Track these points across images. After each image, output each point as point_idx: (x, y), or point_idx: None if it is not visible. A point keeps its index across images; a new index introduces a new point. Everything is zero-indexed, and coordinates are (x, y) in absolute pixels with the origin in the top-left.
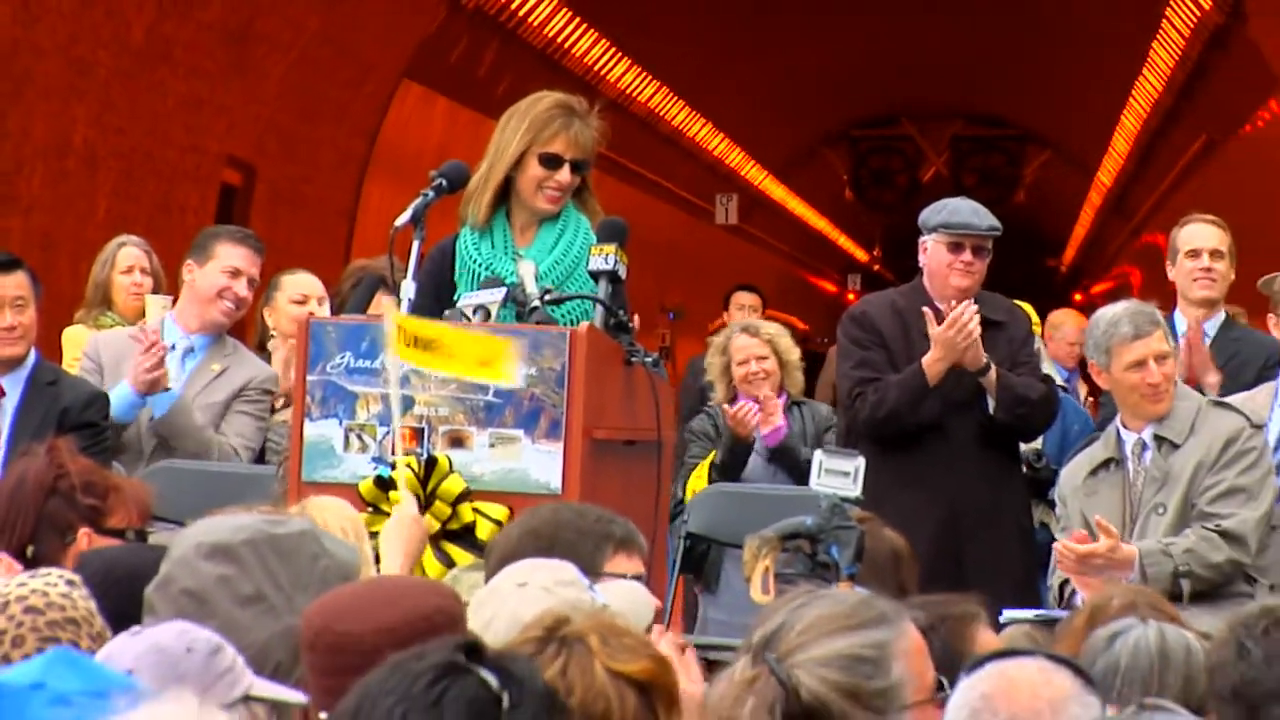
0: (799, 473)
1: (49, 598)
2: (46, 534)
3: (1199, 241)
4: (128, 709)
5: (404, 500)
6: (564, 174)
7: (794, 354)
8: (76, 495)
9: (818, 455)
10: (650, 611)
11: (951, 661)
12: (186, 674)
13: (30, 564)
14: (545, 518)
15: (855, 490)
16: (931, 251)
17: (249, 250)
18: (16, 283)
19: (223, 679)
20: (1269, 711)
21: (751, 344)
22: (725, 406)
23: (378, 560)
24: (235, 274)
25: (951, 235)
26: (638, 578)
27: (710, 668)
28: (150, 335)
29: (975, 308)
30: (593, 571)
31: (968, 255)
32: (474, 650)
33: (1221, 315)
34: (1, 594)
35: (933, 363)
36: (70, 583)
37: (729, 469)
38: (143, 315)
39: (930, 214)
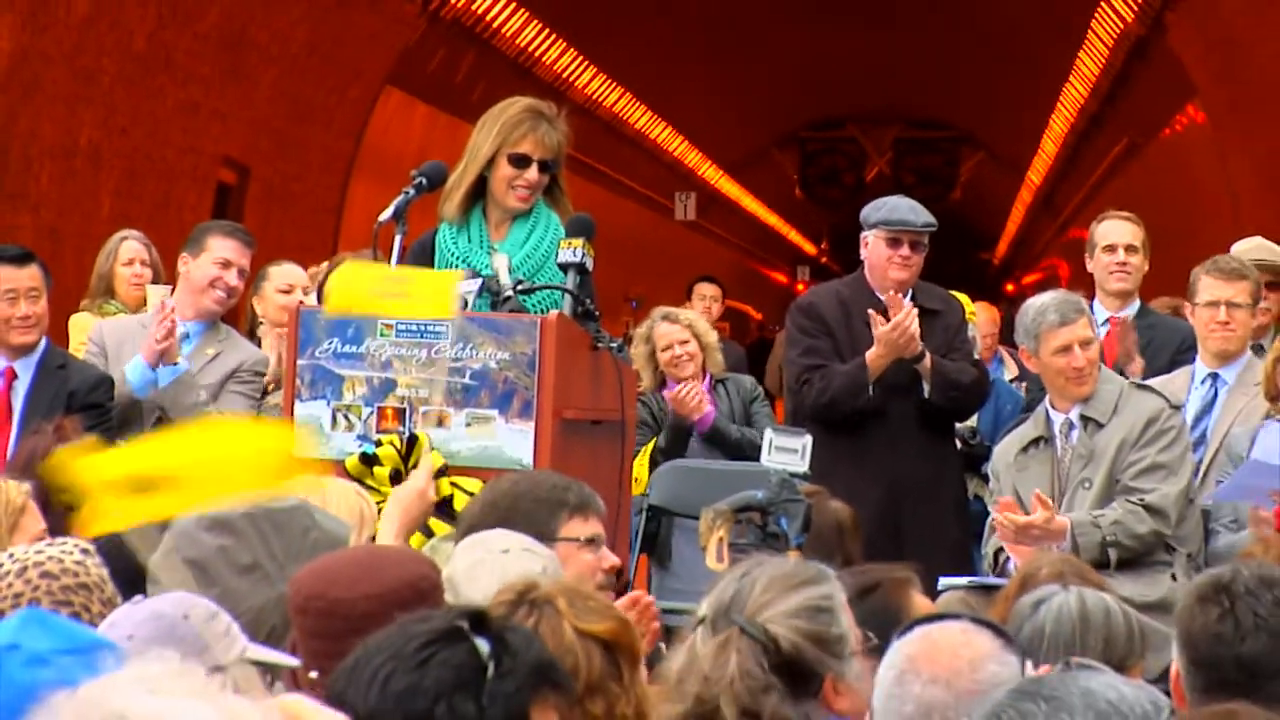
0: (731, 450)
1: (63, 564)
2: (53, 506)
3: (1114, 237)
4: (114, 668)
5: (416, 475)
6: (532, 173)
7: (712, 336)
8: None
9: (769, 434)
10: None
11: (888, 623)
12: (183, 639)
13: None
14: (504, 489)
15: (803, 466)
16: (872, 246)
17: (239, 243)
18: (31, 275)
19: (217, 644)
20: (1273, 685)
21: (673, 330)
22: (666, 393)
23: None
24: (226, 265)
25: (890, 231)
26: (593, 539)
27: (666, 635)
28: (166, 307)
29: (915, 311)
30: (549, 536)
31: (905, 250)
32: (478, 619)
33: (1137, 303)
34: (20, 559)
35: (875, 359)
36: (85, 551)
37: (672, 451)
38: (143, 304)
39: (870, 211)
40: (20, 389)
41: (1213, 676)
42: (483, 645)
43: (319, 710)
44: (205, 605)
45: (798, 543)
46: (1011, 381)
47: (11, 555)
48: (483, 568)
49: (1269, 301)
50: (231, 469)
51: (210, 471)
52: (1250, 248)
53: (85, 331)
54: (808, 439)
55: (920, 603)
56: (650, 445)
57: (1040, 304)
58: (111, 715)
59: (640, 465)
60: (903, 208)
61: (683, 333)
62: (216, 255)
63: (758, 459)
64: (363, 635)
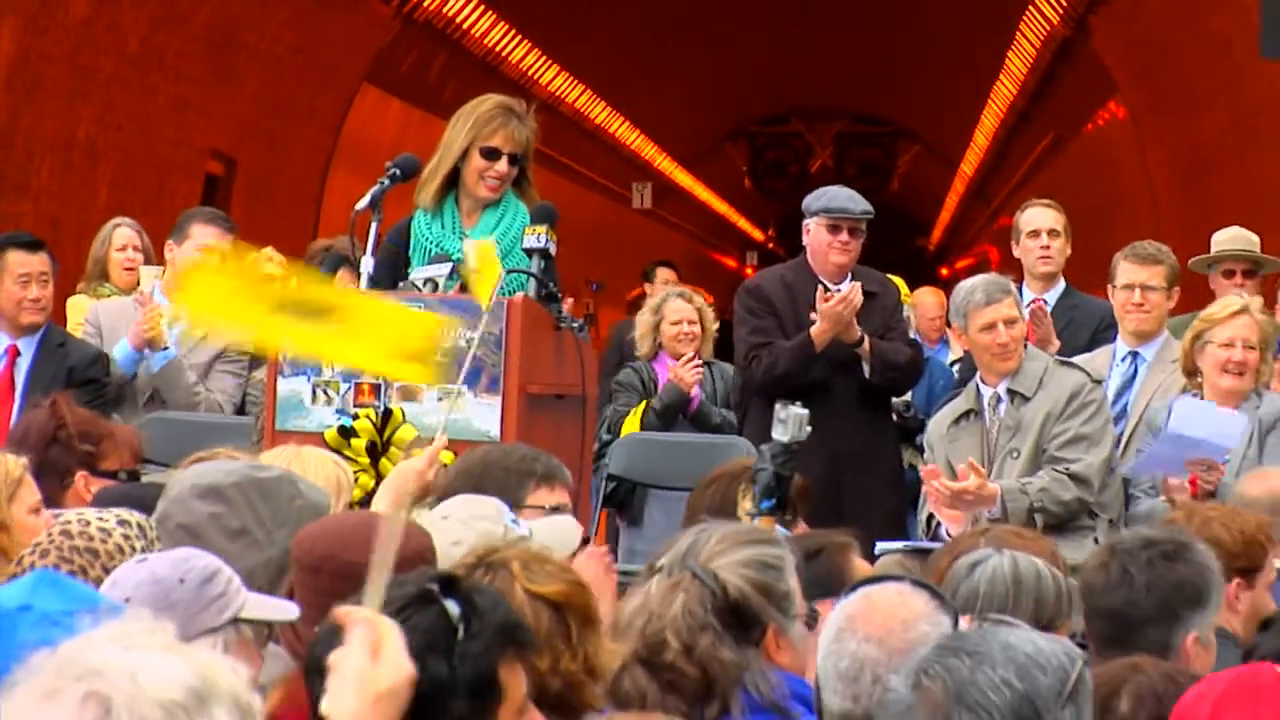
0: (712, 429)
1: (87, 530)
2: (48, 478)
3: (1038, 223)
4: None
5: (421, 456)
6: (502, 165)
7: (713, 325)
8: (74, 442)
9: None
10: (575, 539)
11: (832, 585)
12: (178, 603)
13: None
14: (476, 459)
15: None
16: (813, 233)
17: (219, 228)
18: (41, 260)
19: (211, 605)
20: (1144, 633)
21: (686, 309)
22: (672, 364)
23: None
24: (208, 250)
25: (830, 218)
26: (558, 507)
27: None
28: (146, 299)
29: (860, 286)
30: (517, 504)
31: (844, 236)
32: (448, 583)
33: (1061, 285)
34: (63, 523)
35: (819, 333)
36: (123, 523)
37: (666, 417)
38: (136, 286)
39: (812, 200)
40: (23, 365)
41: (1103, 626)
42: (453, 607)
43: (397, 642)
44: (203, 567)
45: (764, 507)
46: (955, 362)
47: (57, 514)
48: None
49: (1246, 288)
50: (382, 336)
51: (365, 329)
52: (1228, 237)
53: (82, 312)
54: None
55: (860, 566)
56: (641, 407)
57: (969, 286)
58: (89, 671)
59: (632, 425)
60: (841, 197)
61: (693, 313)
62: (199, 241)
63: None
64: (330, 598)
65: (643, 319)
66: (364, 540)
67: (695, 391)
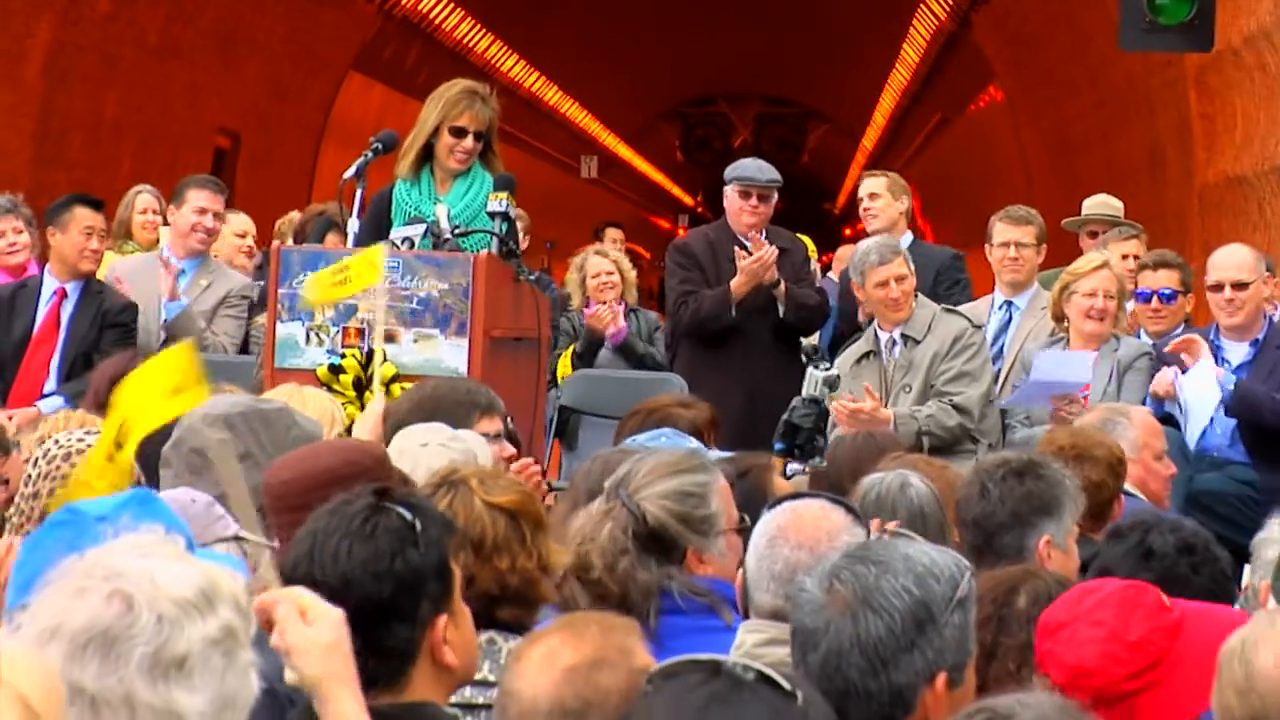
0: (635, 361)
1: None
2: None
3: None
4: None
5: (377, 398)
6: (468, 142)
7: (632, 273)
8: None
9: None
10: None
11: (758, 499)
12: (196, 517)
13: None
14: (428, 393)
15: (805, 393)
16: (730, 198)
17: (211, 191)
18: (101, 219)
19: (218, 522)
20: (1000, 538)
21: (604, 263)
22: (586, 310)
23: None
24: (202, 211)
25: (742, 186)
26: (498, 435)
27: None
28: (167, 262)
29: (776, 250)
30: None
31: (754, 200)
32: (384, 492)
33: (910, 236)
34: (64, 445)
35: (737, 286)
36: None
37: (585, 357)
38: (156, 243)
39: (729, 170)
40: (68, 306)
41: (971, 535)
42: (403, 511)
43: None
44: (204, 495)
45: (777, 449)
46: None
47: (57, 441)
48: (405, 456)
49: (1107, 248)
50: (153, 391)
51: (142, 394)
52: (1096, 202)
53: (107, 265)
54: (814, 373)
55: (780, 483)
56: (570, 349)
57: (865, 247)
58: (113, 573)
59: (563, 364)
60: (752, 168)
61: (610, 265)
62: (194, 205)
63: (658, 370)
64: (301, 511)
65: (570, 276)
66: (295, 462)
67: (618, 329)
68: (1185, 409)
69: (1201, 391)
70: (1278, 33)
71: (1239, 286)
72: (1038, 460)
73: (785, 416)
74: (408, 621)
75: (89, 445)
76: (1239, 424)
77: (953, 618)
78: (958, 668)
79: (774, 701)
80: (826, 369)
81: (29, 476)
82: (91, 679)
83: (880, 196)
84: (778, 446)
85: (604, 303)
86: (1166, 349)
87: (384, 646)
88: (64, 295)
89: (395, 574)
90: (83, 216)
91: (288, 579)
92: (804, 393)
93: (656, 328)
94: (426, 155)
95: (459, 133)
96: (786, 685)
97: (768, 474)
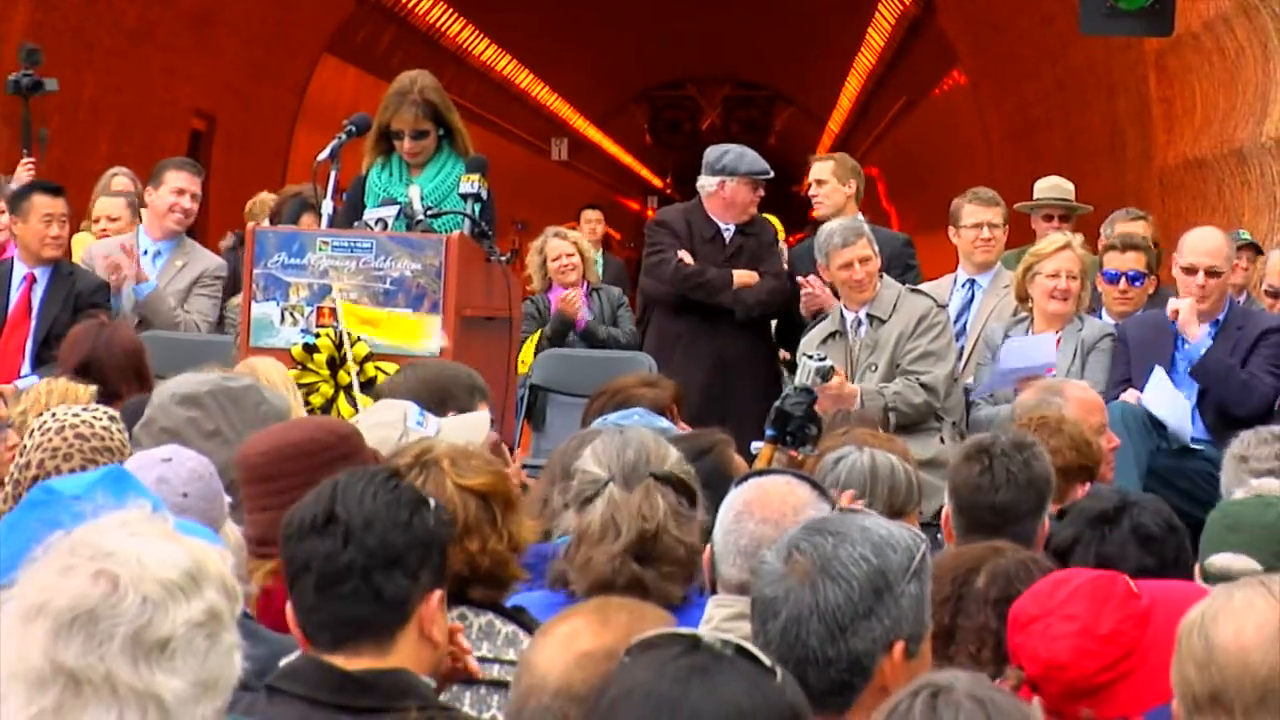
0: (599, 345)
1: (94, 428)
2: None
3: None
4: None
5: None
6: (406, 143)
7: (592, 253)
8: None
9: (800, 359)
10: (487, 425)
11: (720, 477)
12: (217, 493)
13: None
14: (432, 375)
15: (796, 381)
16: (734, 188)
17: (188, 173)
18: (61, 204)
19: (224, 494)
20: (1011, 521)
21: (563, 245)
22: (552, 295)
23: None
24: (180, 192)
25: (754, 180)
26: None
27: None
28: (129, 249)
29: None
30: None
31: (760, 191)
32: (394, 474)
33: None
34: (60, 419)
35: (741, 281)
36: (112, 419)
37: (555, 340)
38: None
39: (732, 161)
40: (38, 291)
41: (973, 518)
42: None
43: None
44: (205, 462)
45: (768, 435)
46: None
47: (54, 415)
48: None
49: (1062, 229)
50: None
51: None
52: (1048, 186)
53: (84, 247)
54: (807, 363)
55: (737, 461)
56: (537, 334)
57: (829, 229)
58: (100, 552)
59: (528, 350)
60: (756, 160)
61: (570, 247)
62: (171, 185)
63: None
64: (265, 484)
65: (532, 259)
66: (261, 438)
67: (583, 315)
68: (1164, 419)
69: (1172, 400)
70: (1237, 18)
71: (1213, 274)
72: (1031, 441)
73: (778, 404)
74: (410, 577)
75: (84, 420)
76: (1198, 402)
77: (909, 587)
78: (914, 638)
79: (753, 675)
80: (821, 359)
81: (24, 447)
82: (73, 657)
83: (826, 182)
84: (769, 433)
85: (566, 285)
86: (1177, 323)
87: (383, 594)
88: (33, 280)
89: (413, 528)
90: (41, 204)
91: (304, 517)
92: (797, 381)
93: (620, 304)
94: (391, 142)
95: (396, 135)
96: (766, 660)
97: (728, 451)
